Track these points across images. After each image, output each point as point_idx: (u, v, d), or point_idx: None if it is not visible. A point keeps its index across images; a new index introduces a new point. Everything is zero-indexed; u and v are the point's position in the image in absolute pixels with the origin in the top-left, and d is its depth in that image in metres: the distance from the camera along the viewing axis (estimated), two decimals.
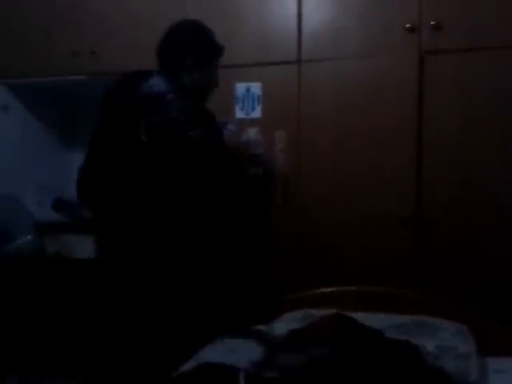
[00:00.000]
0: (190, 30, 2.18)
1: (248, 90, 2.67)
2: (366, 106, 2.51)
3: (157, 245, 2.00)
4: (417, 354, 1.63)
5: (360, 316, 1.92)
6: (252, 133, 2.64)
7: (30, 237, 3.15)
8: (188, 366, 1.80)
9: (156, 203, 1.99)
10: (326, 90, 2.56)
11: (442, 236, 2.37)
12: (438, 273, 2.32)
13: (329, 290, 2.14)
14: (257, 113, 2.67)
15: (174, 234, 2.00)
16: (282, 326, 1.87)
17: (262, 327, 1.93)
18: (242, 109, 2.69)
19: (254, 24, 2.67)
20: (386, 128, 2.47)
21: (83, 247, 3.26)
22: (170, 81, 2.06)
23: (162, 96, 1.99)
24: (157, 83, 2.04)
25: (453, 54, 2.38)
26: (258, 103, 2.66)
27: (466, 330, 1.84)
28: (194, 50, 2.14)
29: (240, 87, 2.68)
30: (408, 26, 2.40)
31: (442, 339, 1.73)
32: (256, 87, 2.66)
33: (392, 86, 2.46)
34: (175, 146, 1.95)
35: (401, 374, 1.55)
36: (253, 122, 2.65)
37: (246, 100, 2.68)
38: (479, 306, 2.00)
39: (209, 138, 1.97)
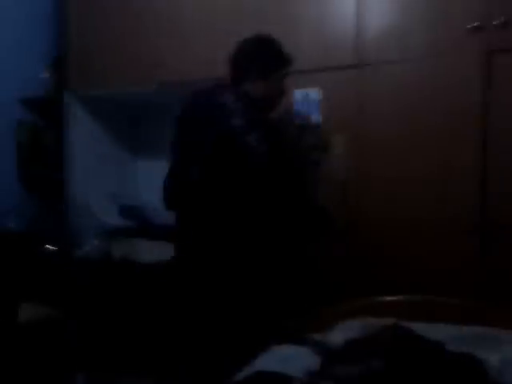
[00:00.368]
0: (256, 41, 2.26)
1: (306, 95, 2.66)
2: (428, 109, 2.43)
3: (234, 244, 2.14)
4: (480, 368, 1.56)
5: (421, 326, 1.87)
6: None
7: (97, 241, 3.29)
8: (242, 374, 1.80)
9: (226, 206, 2.12)
10: (387, 94, 2.50)
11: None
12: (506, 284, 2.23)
13: (390, 298, 2.09)
14: (316, 119, 2.65)
15: (246, 236, 2.13)
16: (339, 334, 1.84)
17: (318, 336, 1.90)
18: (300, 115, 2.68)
19: (312, 28, 2.65)
20: (450, 129, 2.39)
21: (149, 251, 3.38)
22: (232, 91, 2.15)
23: (223, 105, 2.08)
24: (219, 94, 2.14)
25: None
26: (317, 109, 2.64)
27: None
28: (255, 60, 2.22)
29: (298, 93, 2.67)
30: (476, 24, 2.31)
31: (506, 352, 1.64)
32: (315, 93, 2.64)
33: (456, 86, 2.37)
34: (233, 152, 2.04)
35: None
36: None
37: (304, 106, 2.67)
38: None
39: (265, 143, 2.02)
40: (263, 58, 2.24)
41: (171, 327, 3.02)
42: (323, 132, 2.60)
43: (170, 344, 2.99)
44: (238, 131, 2.01)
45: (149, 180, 3.56)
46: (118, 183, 3.73)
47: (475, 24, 2.31)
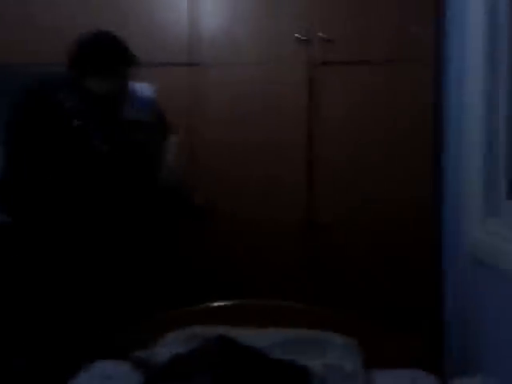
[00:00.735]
0: (94, 37, 2.16)
1: (141, 90, 2.49)
2: (259, 113, 2.47)
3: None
4: (303, 376, 1.57)
5: (248, 333, 1.86)
6: None
7: None
8: None
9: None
10: (219, 95, 2.49)
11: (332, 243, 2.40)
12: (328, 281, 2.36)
13: (216, 304, 2.04)
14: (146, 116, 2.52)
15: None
16: (164, 350, 1.74)
17: (141, 353, 1.77)
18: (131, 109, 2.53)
19: (145, 23, 2.54)
20: (278, 139, 2.45)
21: None
22: (71, 88, 2.08)
23: (62, 104, 2.02)
24: (58, 91, 2.06)
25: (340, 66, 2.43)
26: (151, 104, 2.50)
27: (354, 344, 1.81)
28: (93, 57, 2.13)
29: (133, 87, 2.49)
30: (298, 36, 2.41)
31: (329, 357, 1.69)
32: (148, 88, 2.49)
33: (283, 95, 2.44)
34: (78, 153, 2.02)
35: None
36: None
37: (138, 101, 2.51)
38: (366, 318, 1.99)
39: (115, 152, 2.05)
40: (100, 55, 2.13)
41: None
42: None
43: None
44: (79, 133, 1.98)
45: None
46: None
47: (302, 37, 2.40)
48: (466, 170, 1.95)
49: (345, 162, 2.43)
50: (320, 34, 2.38)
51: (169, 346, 1.78)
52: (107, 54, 2.16)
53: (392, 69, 2.40)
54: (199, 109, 2.50)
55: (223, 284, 2.36)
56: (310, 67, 2.42)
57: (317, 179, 2.43)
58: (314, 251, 2.41)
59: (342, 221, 2.39)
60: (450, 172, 2.26)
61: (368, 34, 2.40)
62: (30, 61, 2.48)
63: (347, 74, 2.42)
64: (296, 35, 2.39)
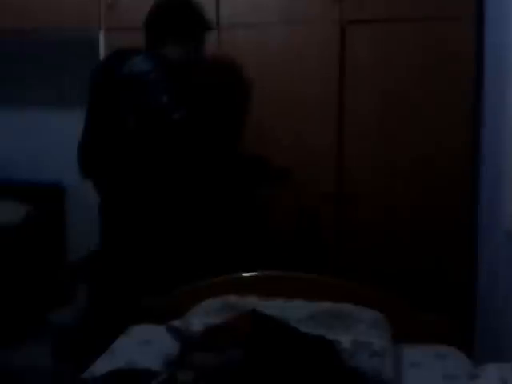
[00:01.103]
0: (174, 5, 2.14)
1: None
2: (287, 73, 2.40)
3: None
4: (333, 353, 1.61)
5: (278, 304, 1.91)
6: None
7: None
8: (101, 364, 1.73)
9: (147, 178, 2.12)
10: (245, 57, 2.42)
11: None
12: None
13: (249, 274, 2.08)
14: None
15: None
16: (198, 320, 1.80)
17: (177, 322, 1.85)
18: None
19: None
20: (308, 95, 2.39)
21: None
22: (152, 58, 2.07)
23: (145, 75, 2.01)
24: (139, 61, 2.05)
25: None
26: None
27: (382, 320, 1.83)
28: (176, 26, 2.11)
29: None
30: None
31: (358, 333, 1.71)
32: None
33: (314, 54, 2.36)
34: (159, 129, 2.03)
35: (316, 376, 1.53)
36: None
37: None
38: (396, 293, 2.00)
39: (192, 120, 2.02)
40: (183, 23, 2.12)
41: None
42: None
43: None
44: (162, 108, 1.99)
45: None
46: None
47: None
48: (505, 143, 1.88)
49: (376, 126, 2.36)
50: None
51: (203, 316, 1.83)
52: (185, 20, 2.12)
53: (429, 27, 2.27)
54: None
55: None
56: (340, 25, 2.32)
57: (348, 142, 2.38)
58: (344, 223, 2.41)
59: (371, 192, 2.37)
60: (489, 145, 2.17)
61: None
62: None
63: (380, 32, 2.31)
64: None
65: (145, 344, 1.87)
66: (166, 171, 2.11)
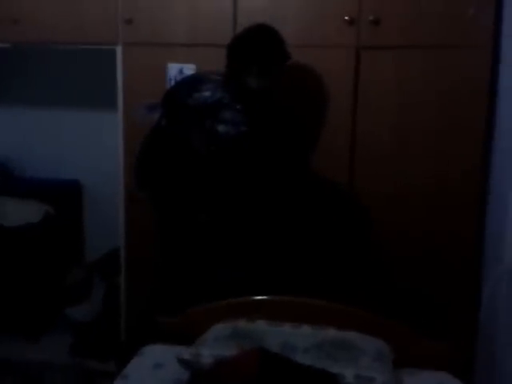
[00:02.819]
0: (259, 37, 2.14)
1: (181, 71, 2.52)
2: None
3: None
4: None
5: (286, 331, 1.98)
6: None
7: None
8: None
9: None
10: None
11: None
12: None
13: (259, 298, 2.16)
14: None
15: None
16: (208, 350, 1.88)
17: (187, 352, 1.94)
18: None
19: (188, 3, 2.49)
20: (321, 119, 2.42)
21: (16, 212, 3.20)
22: (237, 87, 2.11)
23: (230, 105, 2.06)
24: (224, 89, 2.10)
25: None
26: None
27: (385, 350, 1.91)
28: (260, 59, 2.13)
29: (172, 68, 2.52)
30: (346, 18, 2.30)
31: (362, 367, 1.79)
32: (189, 69, 2.50)
33: (328, 79, 2.39)
34: (233, 157, 2.07)
35: None
36: None
37: None
38: (397, 318, 2.07)
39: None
40: (267, 56, 2.13)
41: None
42: None
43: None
44: (244, 138, 2.04)
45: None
46: None
47: (347, 18, 2.30)
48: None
49: (390, 148, 2.39)
50: (370, 18, 2.28)
51: (212, 344, 1.92)
52: (268, 52, 2.13)
53: (445, 53, 2.29)
54: None
55: None
56: (356, 51, 2.35)
57: (359, 168, 2.43)
58: None
59: (382, 217, 2.41)
60: (498, 174, 2.22)
61: (419, 16, 2.27)
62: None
63: (395, 58, 2.33)
64: (345, 17, 2.30)
65: (157, 368, 1.96)
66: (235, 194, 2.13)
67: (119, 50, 2.58)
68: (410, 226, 2.39)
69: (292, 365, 1.75)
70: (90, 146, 3.43)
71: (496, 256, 2.09)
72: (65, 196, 3.44)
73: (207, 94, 2.09)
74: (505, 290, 1.94)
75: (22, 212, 3.22)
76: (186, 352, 1.89)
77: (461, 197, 2.33)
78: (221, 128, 2.05)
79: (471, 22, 2.23)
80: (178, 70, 2.52)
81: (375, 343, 1.93)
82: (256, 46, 2.12)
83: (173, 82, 2.52)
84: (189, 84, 2.21)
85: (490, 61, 2.25)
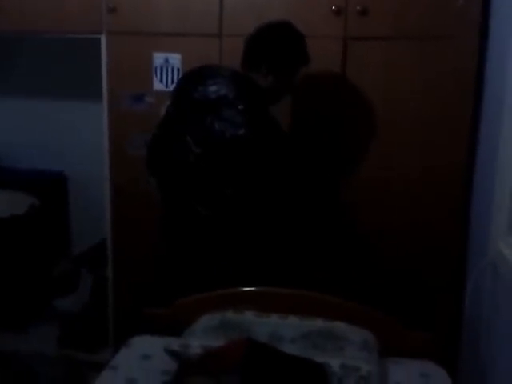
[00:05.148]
0: (277, 33, 2.07)
1: (166, 60, 2.50)
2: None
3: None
4: (322, 378, 1.71)
5: (273, 321, 1.99)
6: None
7: None
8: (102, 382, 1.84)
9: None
10: None
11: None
12: None
13: (247, 289, 2.16)
14: None
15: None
16: (196, 341, 1.88)
17: (176, 342, 1.94)
18: (160, 80, 2.53)
19: None
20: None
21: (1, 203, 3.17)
22: (244, 85, 2.03)
23: (231, 103, 1.97)
24: (231, 85, 2.01)
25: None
26: (178, 75, 2.50)
27: (371, 340, 1.92)
28: (272, 56, 2.05)
29: (158, 57, 2.50)
30: (334, 8, 2.29)
31: (348, 356, 1.80)
32: (175, 58, 2.48)
33: (315, 69, 2.34)
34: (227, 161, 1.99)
35: None
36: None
37: (164, 71, 2.52)
38: (383, 309, 2.07)
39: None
40: (279, 56, 2.05)
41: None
42: None
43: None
44: (245, 142, 1.95)
45: None
46: None
47: (334, 8, 2.29)
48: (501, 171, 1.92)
49: (377, 140, 2.40)
50: (358, 8, 2.27)
51: (201, 335, 1.93)
52: (288, 53, 2.06)
53: (432, 44, 2.29)
54: None
55: None
56: (344, 41, 2.33)
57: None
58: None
59: (366, 205, 2.42)
60: (482, 166, 2.24)
61: (407, 7, 2.26)
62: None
63: (382, 49, 2.33)
64: (333, 7, 2.28)
65: (145, 359, 1.97)
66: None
67: (103, 39, 2.55)
68: (394, 216, 2.40)
69: (278, 354, 1.76)
70: (74, 137, 3.41)
71: (480, 248, 2.11)
72: (50, 187, 3.41)
73: (213, 88, 2.01)
74: (488, 282, 1.96)
75: (7, 204, 3.19)
76: (174, 343, 1.89)
77: (446, 187, 2.34)
78: (218, 126, 1.97)
79: (459, 13, 2.23)
80: (163, 59, 2.50)
81: (361, 333, 1.95)
82: (270, 42, 2.05)
83: (158, 72, 2.51)
84: (196, 76, 2.12)
85: (477, 52, 2.25)
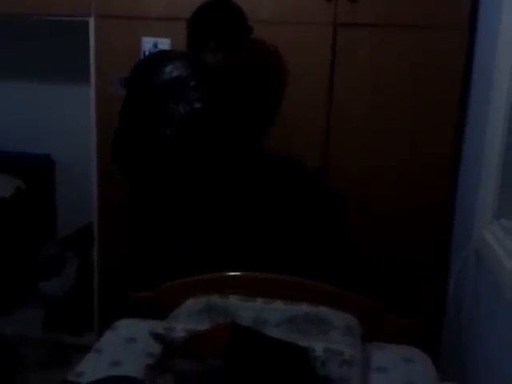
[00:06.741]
0: (216, 11, 2.14)
1: (155, 45, 2.48)
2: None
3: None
4: (306, 361, 1.73)
5: (258, 306, 2.01)
6: None
7: None
8: (86, 365, 1.86)
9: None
10: None
11: None
12: None
13: (233, 274, 2.17)
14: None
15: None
16: (181, 324, 1.90)
17: (160, 326, 1.95)
18: None
19: None
20: (297, 95, 2.41)
21: None
22: (192, 63, 2.10)
23: (184, 82, 2.05)
24: (180, 66, 2.08)
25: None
26: None
27: (355, 324, 1.95)
28: (218, 33, 2.12)
29: (147, 42, 2.48)
30: None
31: (331, 341, 1.82)
32: (164, 43, 2.47)
33: (305, 55, 2.38)
34: (198, 136, 2.06)
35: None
36: None
37: None
38: (367, 294, 2.09)
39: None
40: (225, 30, 2.12)
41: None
42: None
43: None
44: (202, 116, 2.03)
45: None
46: None
47: None
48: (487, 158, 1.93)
49: (363, 129, 2.40)
50: None
51: (186, 319, 1.93)
52: (227, 26, 2.13)
53: (421, 33, 2.30)
54: None
55: None
56: (334, 27, 2.33)
57: (334, 147, 2.44)
58: None
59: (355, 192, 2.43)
60: (468, 158, 2.26)
61: None
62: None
63: (371, 36, 2.33)
64: None
65: (130, 342, 1.99)
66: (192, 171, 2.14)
67: (92, 21, 2.53)
68: (381, 205, 2.42)
69: (262, 338, 1.78)
70: (62, 120, 3.39)
71: (465, 236, 2.14)
72: (37, 171, 3.40)
73: (167, 71, 2.08)
74: (472, 269, 1.99)
75: None
76: (159, 326, 1.91)
77: (432, 176, 2.37)
78: (175, 107, 2.04)
79: (448, 2, 2.24)
80: (152, 43, 2.48)
81: (345, 318, 1.98)
82: (213, 20, 2.12)
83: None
84: (151, 62, 2.20)
85: (466, 41, 2.26)
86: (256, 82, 2.39)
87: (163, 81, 2.07)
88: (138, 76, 2.19)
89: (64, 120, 3.37)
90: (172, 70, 2.07)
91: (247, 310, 1.97)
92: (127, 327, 2.10)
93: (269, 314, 1.96)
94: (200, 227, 2.21)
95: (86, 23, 2.54)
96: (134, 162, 2.19)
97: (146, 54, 2.48)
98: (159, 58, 2.18)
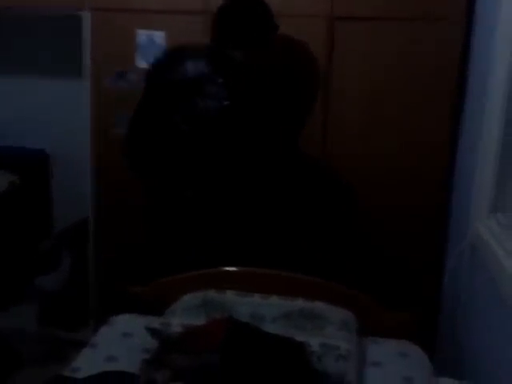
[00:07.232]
0: (242, 7, 2.06)
1: (150, 38, 2.46)
2: None
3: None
4: (302, 356, 1.73)
5: (255, 301, 2.01)
6: None
7: None
8: (82, 360, 1.85)
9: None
10: None
11: None
12: None
13: (230, 269, 2.17)
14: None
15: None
16: (178, 319, 1.90)
17: (157, 321, 1.94)
18: (143, 58, 2.50)
19: None
20: None
21: None
22: (218, 60, 2.06)
23: (210, 78, 2.02)
24: (205, 62, 2.05)
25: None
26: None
27: (351, 319, 1.96)
28: (244, 30, 2.05)
29: (141, 35, 2.47)
30: None
31: (327, 336, 1.83)
32: (159, 36, 2.45)
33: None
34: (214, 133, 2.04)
35: (285, 380, 1.66)
36: None
37: (148, 49, 2.48)
38: (363, 288, 2.09)
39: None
40: (251, 27, 2.04)
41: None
42: None
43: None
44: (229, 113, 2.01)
45: None
46: None
47: None
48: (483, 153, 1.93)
49: (361, 121, 2.41)
50: None
51: (182, 314, 1.93)
52: (254, 23, 2.05)
53: (418, 26, 2.30)
54: None
55: None
56: (331, 21, 2.33)
57: (332, 138, 2.44)
58: None
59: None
60: (464, 152, 2.25)
61: None
62: None
63: (368, 29, 2.33)
64: None
65: (126, 337, 1.98)
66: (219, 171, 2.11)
67: (86, 15, 2.51)
68: (377, 198, 2.42)
69: (259, 333, 1.78)
70: (56, 115, 3.36)
71: (461, 230, 2.14)
72: (31, 166, 3.37)
73: (190, 67, 2.05)
74: (467, 264, 1.99)
75: None
76: (155, 321, 1.91)
77: (428, 171, 2.37)
78: (202, 103, 2.01)
79: None
80: (147, 36, 2.47)
81: (341, 313, 1.97)
82: (239, 16, 2.05)
83: (141, 49, 2.48)
84: (171, 58, 2.14)
85: (463, 34, 2.26)
86: (282, 82, 2.28)
87: (187, 76, 2.04)
88: (159, 71, 2.15)
89: (59, 114, 3.34)
90: (197, 65, 2.05)
91: (244, 305, 1.97)
92: (123, 322, 2.09)
93: (265, 310, 1.95)
94: (226, 228, 2.19)
95: (79, 16, 2.52)
96: (151, 159, 2.16)
97: (141, 47, 2.47)
98: (182, 52, 2.13)
